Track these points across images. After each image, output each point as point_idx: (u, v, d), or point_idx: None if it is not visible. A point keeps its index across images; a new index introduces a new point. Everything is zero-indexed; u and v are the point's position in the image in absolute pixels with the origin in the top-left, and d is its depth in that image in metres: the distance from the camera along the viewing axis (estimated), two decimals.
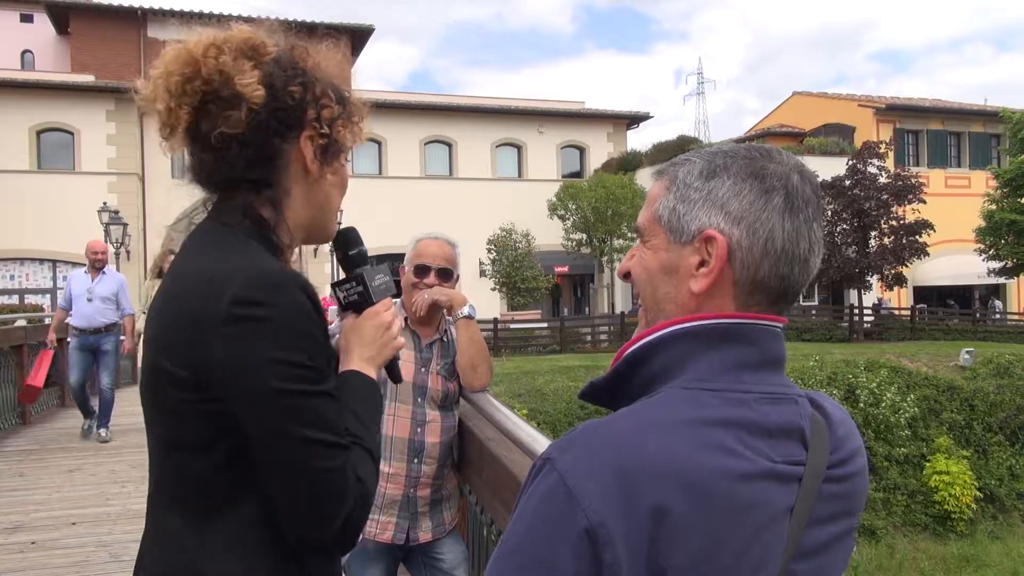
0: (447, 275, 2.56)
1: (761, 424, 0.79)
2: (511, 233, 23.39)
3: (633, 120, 29.27)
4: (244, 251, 1.08)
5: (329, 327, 1.20)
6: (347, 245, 1.31)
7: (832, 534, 0.83)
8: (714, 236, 0.84)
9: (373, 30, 27.35)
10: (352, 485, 1.05)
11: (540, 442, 1.97)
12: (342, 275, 1.33)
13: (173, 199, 21.71)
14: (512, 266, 22.81)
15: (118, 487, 5.92)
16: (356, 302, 1.27)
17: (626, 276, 0.93)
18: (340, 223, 1.33)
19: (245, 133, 1.08)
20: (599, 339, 22.03)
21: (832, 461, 0.83)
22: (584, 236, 24.36)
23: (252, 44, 1.11)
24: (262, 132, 1.09)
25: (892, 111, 28.71)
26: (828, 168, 23.96)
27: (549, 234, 24.52)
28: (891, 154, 25.11)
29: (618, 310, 24.22)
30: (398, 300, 2.62)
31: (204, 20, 24.75)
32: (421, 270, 2.54)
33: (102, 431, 7.66)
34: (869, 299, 24.90)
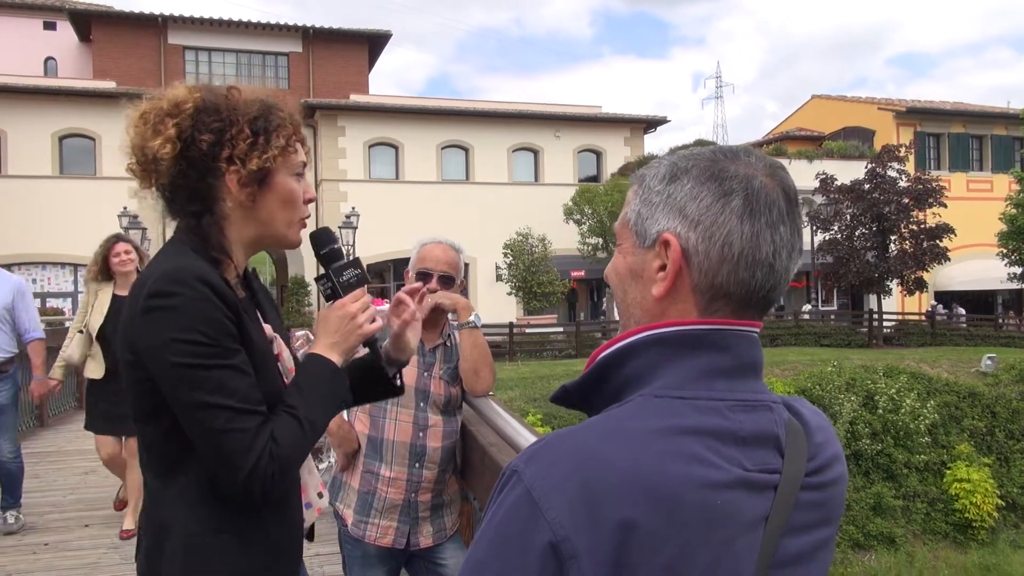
0: (449, 281, 2.54)
1: (734, 432, 0.77)
2: (527, 237, 23.38)
3: (650, 124, 29.12)
4: (175, 257, 1.30)
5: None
6: (318, 245, 1.49)
7: (810, 543, 0.81)
8: (670, 240, 0.82)
9: (391, 36, 27.50)
10: (260, 444, 1.23)
11: None
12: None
13: None
14: (528, 270, 22.79)
15: None
16: (329, 295, 1.46)
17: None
18: (335, 229, 1.44)
19: (172, 181, 1.34)
20: None
21: (810, 468, 0.81)
22: (600, 241, 24.26)
23: (175, 102, 1.34)
24: (184, 177, 1.33)
25: (912, 114, 28.45)
26: (847, 172, 23.79)
27: (565, 239, 24.47)
28: (911, 157, 24.86)
29: None
30: None
31: (223, 27, 24.99)
32: (423, 276, 2.53)
33: (10, 514, 4.96)
34: (888, 304, 24.63)
